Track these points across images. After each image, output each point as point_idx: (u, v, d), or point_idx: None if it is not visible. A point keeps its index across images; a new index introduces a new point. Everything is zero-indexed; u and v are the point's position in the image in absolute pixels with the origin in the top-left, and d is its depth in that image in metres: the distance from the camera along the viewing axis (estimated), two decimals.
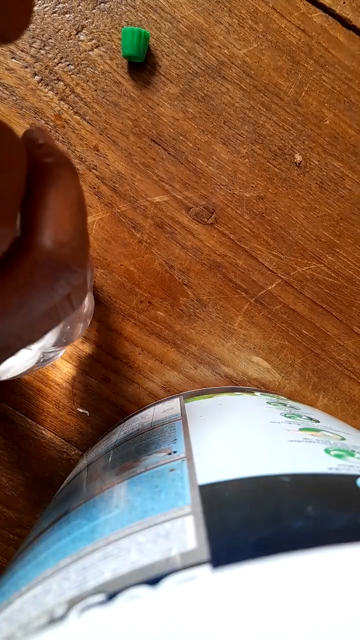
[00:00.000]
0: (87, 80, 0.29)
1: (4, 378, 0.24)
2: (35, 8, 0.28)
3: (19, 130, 0.30)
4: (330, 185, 0.31)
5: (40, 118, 0.30)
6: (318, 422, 0.23)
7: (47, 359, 0.27)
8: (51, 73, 0.29)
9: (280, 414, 0.24)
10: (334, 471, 0.15)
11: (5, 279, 0.12)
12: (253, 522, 0.12)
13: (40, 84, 0.29)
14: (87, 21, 0.29)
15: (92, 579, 0.12)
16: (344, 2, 0.28)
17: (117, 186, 0.31)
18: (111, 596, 0.11)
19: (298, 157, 0.31)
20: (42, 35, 0.29)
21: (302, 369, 0.34)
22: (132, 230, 0.31)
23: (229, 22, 0.29)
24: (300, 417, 0.24)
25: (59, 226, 0.13)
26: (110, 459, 0.23)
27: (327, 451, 0.17)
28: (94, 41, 0.29)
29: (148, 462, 0.19)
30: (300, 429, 0.21)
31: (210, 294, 0.33)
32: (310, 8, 0.29)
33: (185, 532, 0.12)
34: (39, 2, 0.28)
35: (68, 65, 0.29)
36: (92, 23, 0.29)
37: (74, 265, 0.13)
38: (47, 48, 0.29)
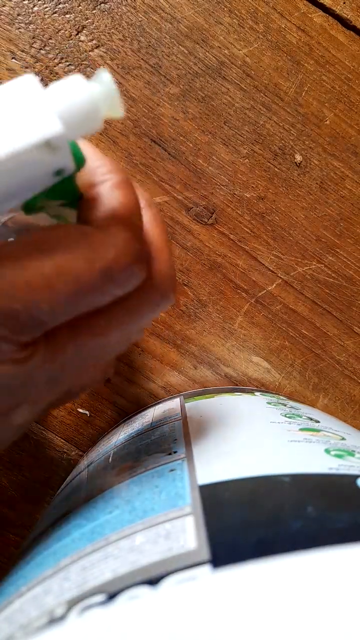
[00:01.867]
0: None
1: None
2: (36, 8, 0.28)
3: None
4: (330, 185, 0.31)
5: None
6: (318, 422, 0.23)
7: None
8: (52, 73, 0.29)
9: (281, 414, 0.24)
10: (334, 471, 0.15)
11: (122, 299, 0.14)
12: (253, 522, 0.12)
13: (40, 84, 0.29)
14: (87, 21, 0.29)
15: (92, 579, 0.12)
16: (344, 2, 0.28)
17: None
18: (111, 596, 0.11)
19: (298, 157, 0.31)
20: (43, 36, 0.29)
21: (302, 369, 0.34)
22: None
23: (229, 23, 0.29)
24: (301, 417, 0.24)
25: (164, 260, 0.15)
26: (110, 459, 0.23)
27: (327, 451, 0.17)
28: (94, 41, 0.29)
29: (148, 462, 0.19)
30: (301, 429, 0.21)
31: (211, 294, 0.33)
32: (311, 8, 0.29)
33: (185, 532, 0.13)
34: (40, 2, 0.28)
35: (68, 65, 0.29)
36: (93, 23, 0.29)
37: (173, 295, 0.16)
38: (47, 48, 0.29)
